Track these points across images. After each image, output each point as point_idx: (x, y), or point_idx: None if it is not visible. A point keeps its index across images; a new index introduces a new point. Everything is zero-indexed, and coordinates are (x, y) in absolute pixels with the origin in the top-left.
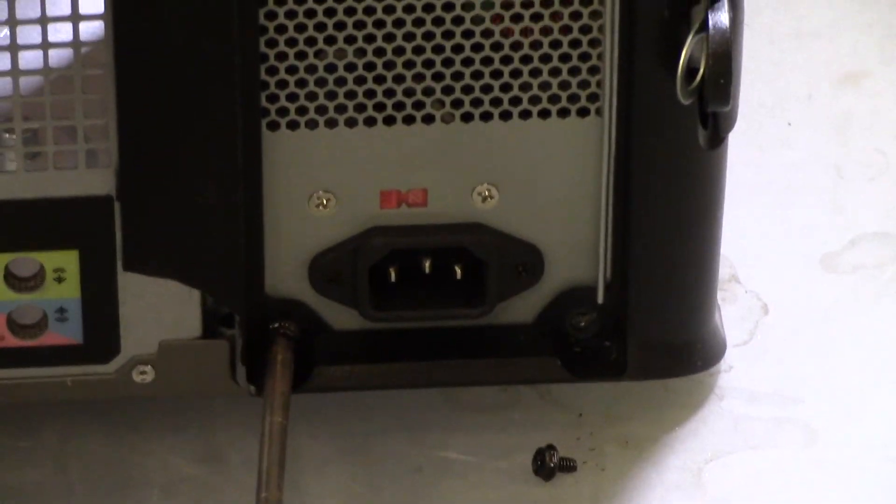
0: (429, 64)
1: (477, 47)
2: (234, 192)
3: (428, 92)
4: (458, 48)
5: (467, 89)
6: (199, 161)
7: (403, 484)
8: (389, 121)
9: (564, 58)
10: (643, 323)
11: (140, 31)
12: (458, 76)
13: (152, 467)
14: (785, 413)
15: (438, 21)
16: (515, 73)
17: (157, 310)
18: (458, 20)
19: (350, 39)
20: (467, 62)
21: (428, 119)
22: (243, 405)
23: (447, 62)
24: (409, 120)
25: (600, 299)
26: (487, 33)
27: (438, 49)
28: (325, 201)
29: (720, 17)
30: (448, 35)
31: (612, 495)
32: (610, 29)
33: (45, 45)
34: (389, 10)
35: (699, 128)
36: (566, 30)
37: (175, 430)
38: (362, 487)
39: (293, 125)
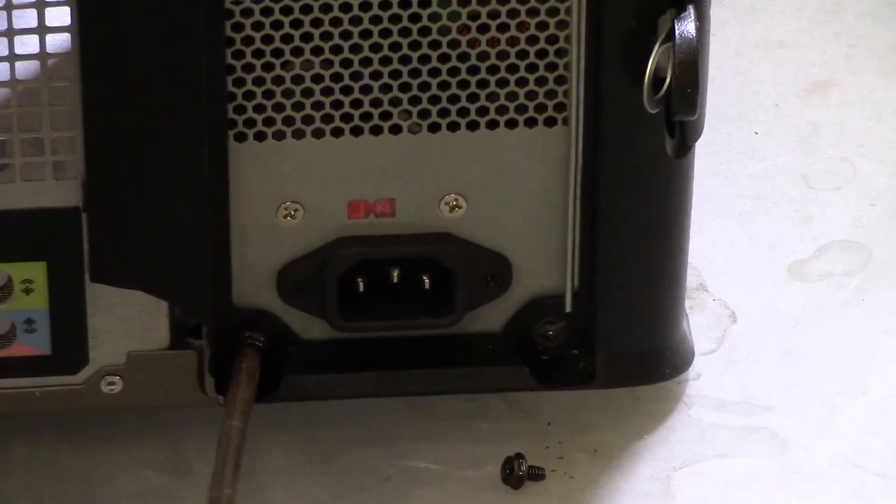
0: (396, 74)
1: (444, 58)
2: (202, 203)
3: (395, 102)
4: (424, 59)
5: (434, 100)
6: (166, 172)
7: (372, 493)
8: (357, 131)
9: (531, 67)
10: (611, 331)
11: (106, 43)
12: (425, 86)
13: (121, 478)
14: (753, 421)
15: (405, 32)
16: (482, 83)
17: (125, 321)
18: (424, 31)
19: (317, 50)
20: (434, 72)
21: (395, 129)
22: (212, 416)
23: (414, 73)
24: (376, 130)
25: (568, 308)
26: (454, 43)
27: (405, 60)
28: (293, 212)
29: (687, 27)
30: (415, 46)
31: (581, 503)
32: (577, 38)
33: (12, 58)
34: (356, 21)
35: (666, 137)
36: (533, 40)
37: (143, 440)
38: (330, 497)
39: (260, 136)
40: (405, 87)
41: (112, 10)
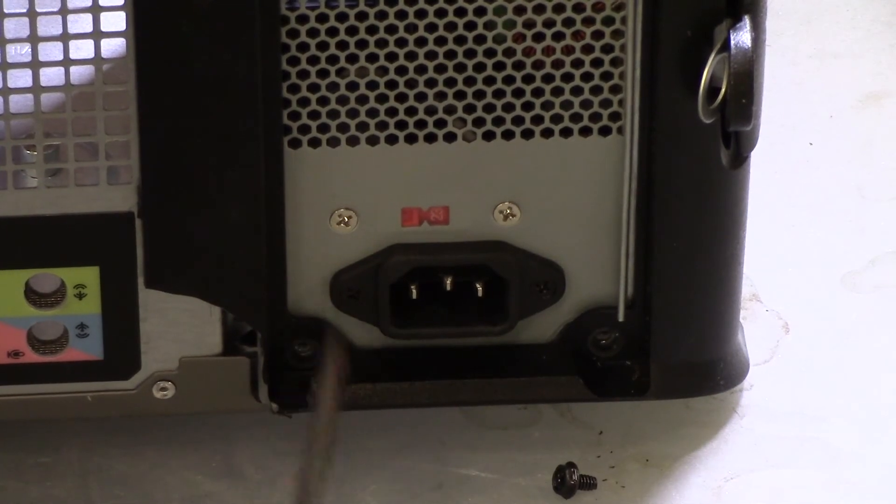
0: (451, 82)
1: (499, 66)
2: (256, 209)
3: (450, 110)
4: (480, 67)
5: (489, 108)
6: (221, 178)
7: (423, 500)
8: (411, 139)
9: (586, 77)
10: (665, 342)
11: (162, 48)
12: (480, 95)
13: (172, 484)
14: (806, 432)
15: (461, 40)
16: (537, 92)
17: (178, 326)
18: (480, 39)
19: (372, 57)
20: (489, 81)
21: (450, 137)
22: (264, 422)
23: (469, 81)
24: (430, 138)
25: (622, 318)
26: (509, 52)
27: (460, 67)
28: (346, 219)
29: (742, 37)
30: (470, 54)
31: None
32: (632, 48)
33: (67, 62)
34: (411, 28)
35: (721, 147)
36: (588, 49)
37: (195, 446)
38: None
39: (315, 143)
40: (460, 95)
41: (168, 16)
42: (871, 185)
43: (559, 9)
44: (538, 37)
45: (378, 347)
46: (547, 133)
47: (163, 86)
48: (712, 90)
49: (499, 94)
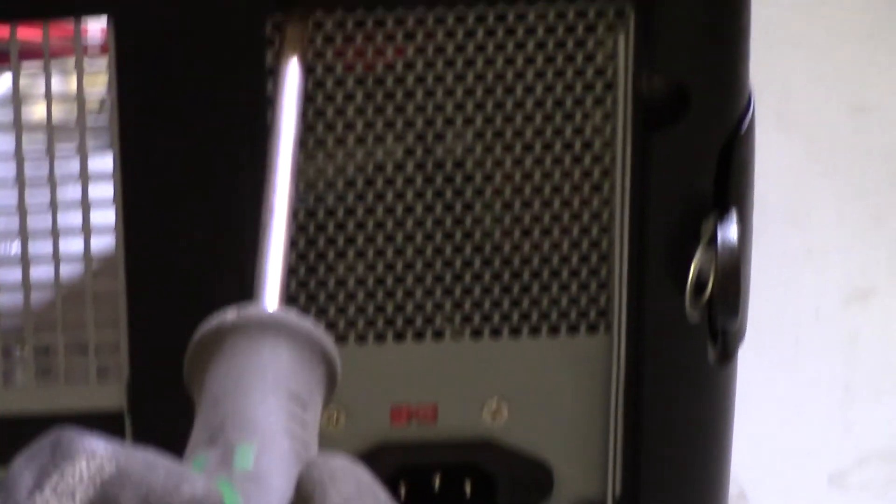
0: (439, 279)
1: (487, 263)
2: None
3: (438, 308)
4: (467, 264)
5: (477, 305)
6: None
7: None
8: (399, 337)
9: (574, 273)
10: None
11: (152, 246)
12: (467, 292)
13: None
14: None
15: (449, 236)
16: (525, 289)
17: None
18: (468, 235)
19: (361, 254)
20: (477, 278)
21: (438, 335)
22: None
23: (457, 278)
24: (419, 336)
25: None
26: (497, 249)
27: (448, 265)
28: (336, 418)
29: (729, 232)
30: (458, 250)
31: None
32: (619, 243)
33: (56, 259)
34: (399, 224)
35: (709, 344)
36: (576, 244)
37: None
38: None
39: None
40: (448, 293)
41: (158, 214)
42: (857, 383)
43: (547, 205)
44: (526, 233)
45: None
46: (534, 331)
47: (152, 285)
48: (699, 285)
49: (486, 291)
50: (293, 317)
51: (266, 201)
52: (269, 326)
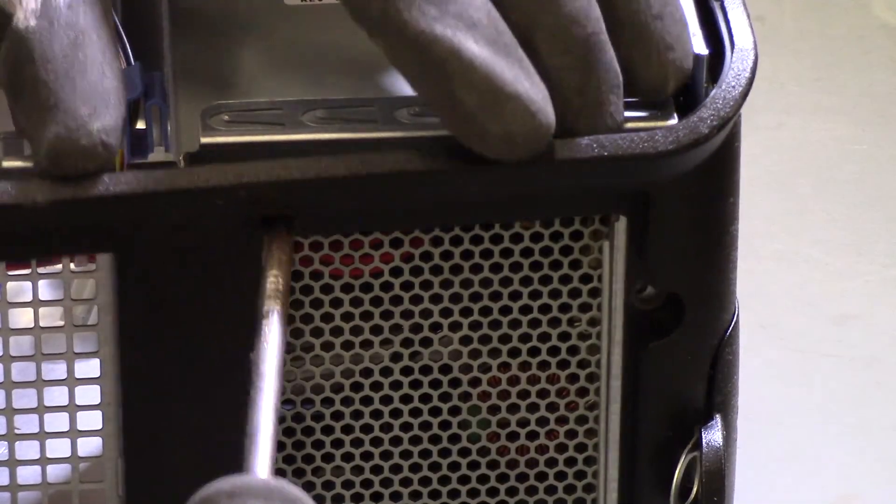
0: (425, 481)
1: (473, 465)
2: None
3: None
4: (454, 466)
5: None
6: None
7: None
8: None
9: (560, 475)
10: None
11: (142, 447)
12: (454, 494)
13: None
14: None
15: (435, 439)
16: (512, 491)
17: None
18: (454, 438)
19: (348, 457)
20: (464, 480)
21: None
22: None
23: (444, 480)
24: None
25: None
26: (484, 451)
27: (435, 467)
28: None
29: (714, 436)
30: (445, 453)
31: None
32: (605, 448)
33: (44, 461)
34: (386, 428)
35: None
36: (562, 447)
37: None
38: None
39: None
40: (435, 495)
41: (155, 408)
42: None
43: (533, 408)
44: (512, 436)
45: None
46: None
47: (142, 486)
48: (685, 488)
49: (473, 493)
50: (284, 484)
51: (255, 382)
52: (260, 493)
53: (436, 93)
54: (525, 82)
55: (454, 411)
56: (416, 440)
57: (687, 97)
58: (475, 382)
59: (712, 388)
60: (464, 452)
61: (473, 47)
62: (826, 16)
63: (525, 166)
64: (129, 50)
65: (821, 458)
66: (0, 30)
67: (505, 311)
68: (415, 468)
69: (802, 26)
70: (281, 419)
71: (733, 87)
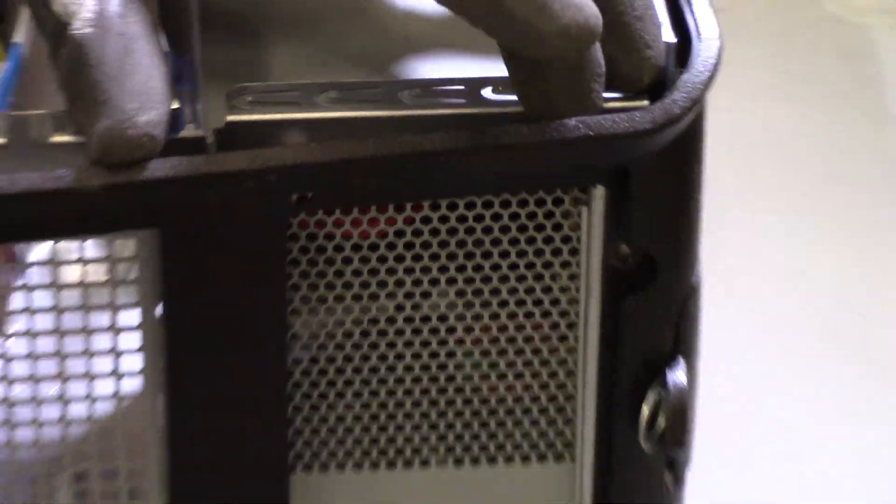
0: (425, 416)
1: (467, 402)
2: None
3: (424, 441)
4: (450, 402)
5: (458, 438)
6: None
7: None
8: (391, 465)
9: (543, 411)
10: None
11: (181, 386)
12: (450, 426)
13: None
14: None
15: (433, 380)
16: (500, 425)
17: None
18: (450, 378)
19: (357, 395)
20: (459, 414)
21: (424, 463)
22: None
23: (441, 415)
24: (407, 464)
25: None
26: (476, 389)
27: (434, 403)
28: None
29: (678, 376)
30: (442, 392)
31: None
32: (583, 386)
33: (91, 399)
34: (390, 369)
35: (665, 471)
36: (545, 386)
37: None
38: None
39: (307, 468)
40: (433, 427)
41: (198, 357)
42: None
43: (519, 352)
44: (501, 376)
45: None
46: (509, 460)
47: (184, 417)
48: (652, 422)
49: (467, 426)
50: None
51: None
52: None
53: (490, 12)
54: None
55: (450, 355)
56: (416, 380)
57: (657, 81)
58: (469, 330)
59: (678, 336)
60: (458, 390)
61: None
62: (782, 9)
63: (521, 147)
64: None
65: (764, 397)
66: (59, 36)
67: (495, 267)
68: (416, 404)
69: (761, 18)
70: (298, 362)
71: (701, 72)
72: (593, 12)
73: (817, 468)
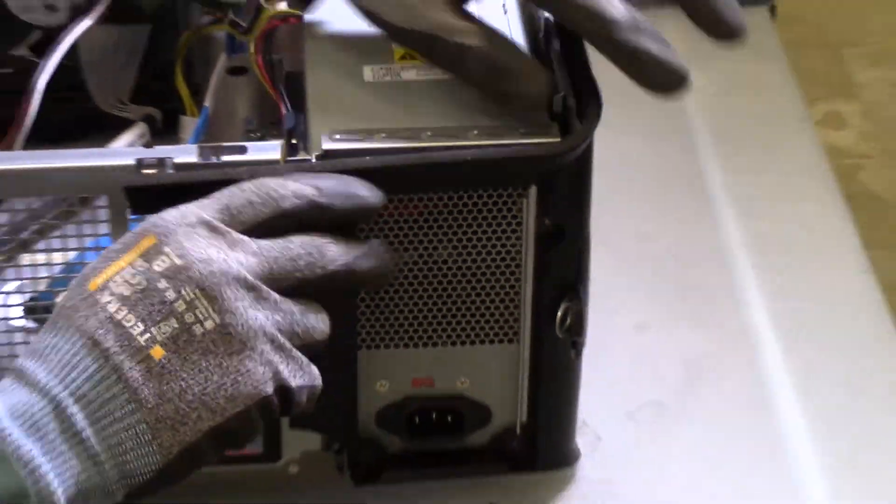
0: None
1: (458, 308)
2: (347, 388)
3: (430, 319)
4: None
5: (458, 319)
6: (332, 369)
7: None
8: (414, 342)
9: (498, 318)
10: (540, 445)
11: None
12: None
13: None
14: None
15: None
16: (478, 321)
17: (303, 437)
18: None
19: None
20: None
21: (428, 342)
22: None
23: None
24: (426, 342)
25: (518, 432)
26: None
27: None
28: (385, 385)
29: (578, 295)
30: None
31: None
32: (523, 293)
33: None
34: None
35: (570, 350)
36: (500, 303)
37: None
38: None
39: (370, 346)
40: (437, 308)
41: None
42: None
43: (486, 283)
44: (476, 292)
45: (399, 451)
46: (483, 342)
47: None
48: (563, 320)
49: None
50: None
51: None
52: None
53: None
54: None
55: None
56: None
57: (564, 124)
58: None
59: (577, 272)
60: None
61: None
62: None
63: (492, 161)
64: (288, 101)
65: (615, 293)
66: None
67: (477, 228)
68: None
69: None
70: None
71: (592, 121)
72: (546, 77)
73: None
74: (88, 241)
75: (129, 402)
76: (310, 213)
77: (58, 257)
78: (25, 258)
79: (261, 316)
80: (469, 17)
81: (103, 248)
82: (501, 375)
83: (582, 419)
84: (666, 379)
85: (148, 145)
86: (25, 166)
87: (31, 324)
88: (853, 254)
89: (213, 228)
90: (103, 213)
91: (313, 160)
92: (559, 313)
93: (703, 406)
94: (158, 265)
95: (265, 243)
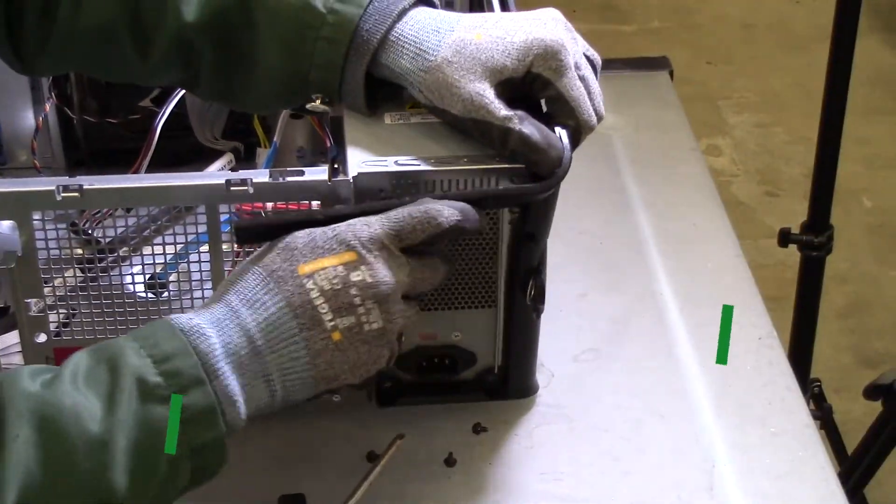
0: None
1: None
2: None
3: (450, 290)
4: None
5: (456, 291)
6: None
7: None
8: (420, 308)
9: (480, 292)
10: (512, 378)
11: None
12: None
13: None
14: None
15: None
16: (464, 290)
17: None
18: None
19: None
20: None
21: (434, 306)
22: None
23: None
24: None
25: (496, 371)
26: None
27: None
28: (403, 337)
29: (542, 275)
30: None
31: None
32: (500, 279)
33: None
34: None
35: (533, 313)
36: (482, 279)
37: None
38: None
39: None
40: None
41: None
42: None
43: (474, 263)
44: (473, 270)
45: (411, 381)
46: (470, 306)
47: None
48: (530, 290)
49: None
50: None
51: None
52: None
53: (506, 149)
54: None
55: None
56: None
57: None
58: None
59: (540, 259)
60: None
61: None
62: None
63: (494, 195)
64: (331, 137)
65: (563, 271)
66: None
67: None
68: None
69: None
70: None
71: (564, 170)
72: (559, 151)
73: None
74: (191, 237)
75: (308, 365)
76: (452, 232)
77: (169, 249)
78: (146, 249)
79: (403, 316)
80: (509, 103)
81: (203, 242)
82: (484, 331)
83: (540, 361)
84: (599, 332)
85: (234, 170)
86: (148, 185)
87: (150, 296)
88: (729, 242)
89: (390, 252)
90: (201, 218)
91: (350, 179)
92: (529, 288)
93: (625, 351)
94: (354, 277)
95: (415, 264)
